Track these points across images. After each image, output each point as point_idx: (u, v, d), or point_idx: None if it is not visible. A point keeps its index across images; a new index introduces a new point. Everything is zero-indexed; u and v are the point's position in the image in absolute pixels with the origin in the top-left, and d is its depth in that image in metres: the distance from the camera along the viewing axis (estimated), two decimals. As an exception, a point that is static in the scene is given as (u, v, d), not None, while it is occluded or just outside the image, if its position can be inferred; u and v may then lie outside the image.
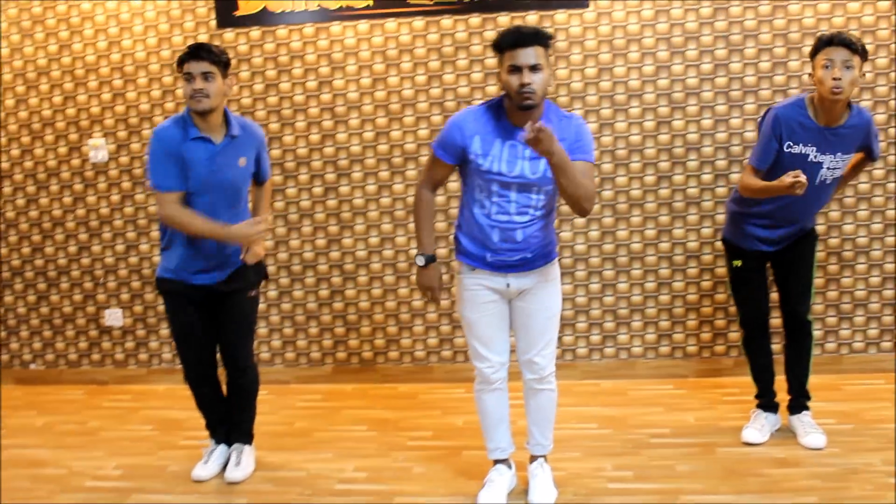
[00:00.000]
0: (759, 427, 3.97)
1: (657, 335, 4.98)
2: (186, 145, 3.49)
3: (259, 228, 3.52)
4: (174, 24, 5.01)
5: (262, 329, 5.20)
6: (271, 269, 5.09)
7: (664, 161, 4.82)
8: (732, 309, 4.35)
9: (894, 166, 4.70)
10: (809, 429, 3.90)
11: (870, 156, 3.80)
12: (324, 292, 5.15)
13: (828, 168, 3.61)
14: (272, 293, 5.16)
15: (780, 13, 4.65)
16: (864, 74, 3.64)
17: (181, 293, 3.69)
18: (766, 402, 4.06)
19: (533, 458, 3.58)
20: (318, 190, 5.06)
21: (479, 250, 3.26)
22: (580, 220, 4.88)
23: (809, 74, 3.59)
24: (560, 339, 4.96)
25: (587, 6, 4.74)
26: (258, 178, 3.84)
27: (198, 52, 3.47)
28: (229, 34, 4.99)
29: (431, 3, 4.82)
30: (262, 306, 5.13)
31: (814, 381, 4.00)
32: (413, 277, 5.03)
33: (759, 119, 3.90)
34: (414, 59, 4.89)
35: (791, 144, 3.58)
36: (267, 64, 5.00)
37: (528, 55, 2.97)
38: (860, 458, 3.69)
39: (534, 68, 2.97)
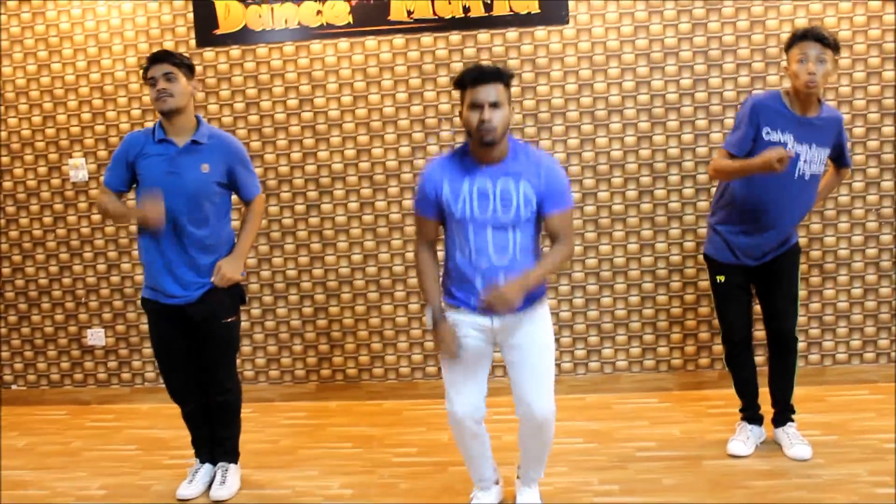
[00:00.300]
0: (745, 439, 3.97)
1: (641, 349, 4.97)
2: (148, 147, 3.59)
3: (155, 208, 3.46)
4: (154, 42, 4.99)
5: (245, 347, 5.17)
6: (254, 286, 5.07)
7: (645, 175, 4.83)
8: (716, 322, 4.34)
9: (875, 178, 4.73)
10: (795, 440, 3.91)
11: (842, 161, 3.84)
12: (307, 309, 5.13)
13: (805, 161, 3.63)
14: (255, 311, 5.13)
15: (758, 28, 4.69)
16: (836, 67, 3.80)
17: (160, 312, 3.69)
18: (751, 414, 4.06)
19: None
20: (300, 207, 5.04)
21: (464, 295, 3.23)
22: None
23: (785, 68, 3.67)
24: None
25: (567, 22, 4.76)
26: (241, 196, 3.78)
27: (158, 55, 3.57)
28: (209, 53, 4.98)
29: (411, 20, 4.82)
30: (245, 324, 5.11)
31: (798, 392, 4.00)
32: (397, 294, 5.03)
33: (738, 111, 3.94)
34: (394, 76, 4.89)
35: (769, 131, 3.63)
36: (247, 82, 4.99)
37: (489, 92, 3.01)
38: (845, 469, 3.70)
39: (494, 105, 3.01)
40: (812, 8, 4.65)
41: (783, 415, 4.01)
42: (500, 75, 3.05)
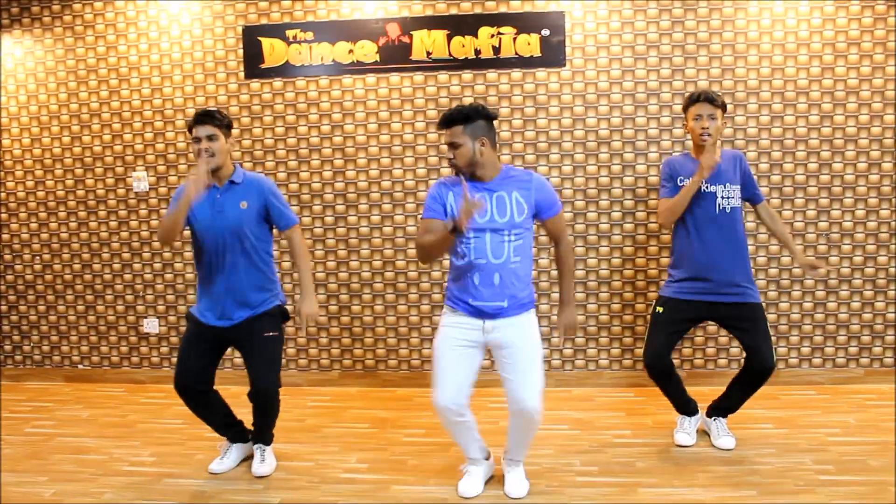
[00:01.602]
0: (688, 431, 3.96)
1: (621, 349, 4.99)
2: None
3: (199, 171, 3.39)
4: (208, 74, 5.05)
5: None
6: (287, 286, 5.10)
7: (629, 199, 4.85)
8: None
9: (826, 207, 4.75)
10: (723, 432, 3.91)
11: (755, 197, 3.83)
12: (333, 307, 5.16)
13: (722, 197, 3.70)
14: (287, 307, 5.15)
15: (728, 75, 4.71)
16: (724, 123, 3.94)
17: (200, 326, 3.63)
18: (685, 409, 4.02)
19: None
20: (329, 219, 5.07)
21: (462, 294, 3.25)
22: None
23: (683, 125, 3.82)
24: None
25: (564, 65, 4.79)
26: (278, 226, 3.67)
27: (202, 118, 3.49)
28: (255, 83, 5.02)
29: (430, 60, 4.86)
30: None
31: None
32: (411, 296, 5.05)
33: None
34: (414, 107, 4.93)
35: (683, 179, 3.73)
36: (287, 110, 5.03)
37: (451, 134, 3.17)
38: (793, 458, 3.71)
39: (452, 145, 3.17)
40: (775, 60, 4.68)
41: (722, 412, 3.96)
42: (456, 119, 3.17)
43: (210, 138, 3.46)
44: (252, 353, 3.62)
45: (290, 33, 4.92)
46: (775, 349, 4.62)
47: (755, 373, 3.75)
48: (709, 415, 4.00)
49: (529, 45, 4.78)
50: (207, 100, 5.05)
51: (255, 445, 3.83)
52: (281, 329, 3.70)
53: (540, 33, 4.77)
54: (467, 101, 4.85)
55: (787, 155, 4.74)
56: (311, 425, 4.45)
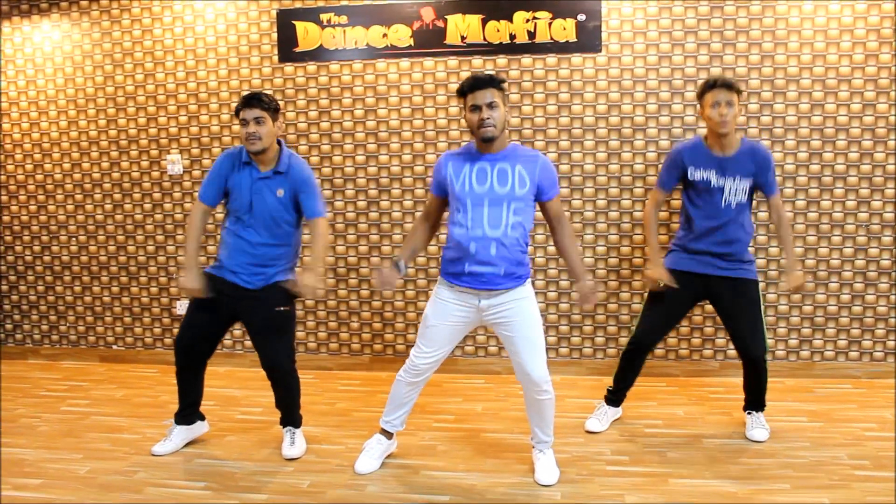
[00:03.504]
0: (601, 417, 4.01)
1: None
2: (236, 170, 3.60)
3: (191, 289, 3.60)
4: (242, 57, 5.07)
5: (310, 322, 5.24)
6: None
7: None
8: (719, 318, 4.28)
9: (866, 198, 4.67)
10: (756, 424, 3.87)
11: (765, 189, 3.73)
12: (364, 292, 5.17)
13: (730, 191, 3.65)
14: (319, 292, 5.17)
15: (767, 62, 4.63)
16: (741, 110, 3.92)
17: (216, 281, 3.66)
18: (613, 399, 4.07)
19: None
20: (361, 203, 5.08)
21: (458, 265, 3.26)
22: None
23: (699, 112, 3.74)
24: (568, 339, 4.96)
25: (600, 51, 4.74)
26: (305, 214, 3.66)
27: (251, 100, 3.51)
28: (289, 67, 5.03)
29: (464, 44, 4.83)
30: (310, 302, 5.17)
31: (789, 384, 3.99)
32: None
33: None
34: (448, 92, 4.91)
35: (694, 170, 3.68)
36: (321, 94, 5.03)
37: (485, 95, 3.13)
38: (828, 452, 3.66)
39: (490, 105, 3.13)
40: (817, 46, 4.60)
41: (751, 406, 3.94)
42: (493, 81, 3.16)
43: (258, 121, 3.49)
44: (261, 330, 3.67)
45: (324, 17, 4.92)
46: (799, 326, 4.57)
47: (747, 362, 3.79)
48: (745, 409, 3.97)
49: (565, 29, 4.74)
50: (241, 83, 5.07)
51: (286, 428, 3.86)
52: (293, 304, 3.74)
53: (576, 18, 4.72)
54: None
55: (828, 144, 4.66)
56: (341, 409, 4.47)
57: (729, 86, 3.58)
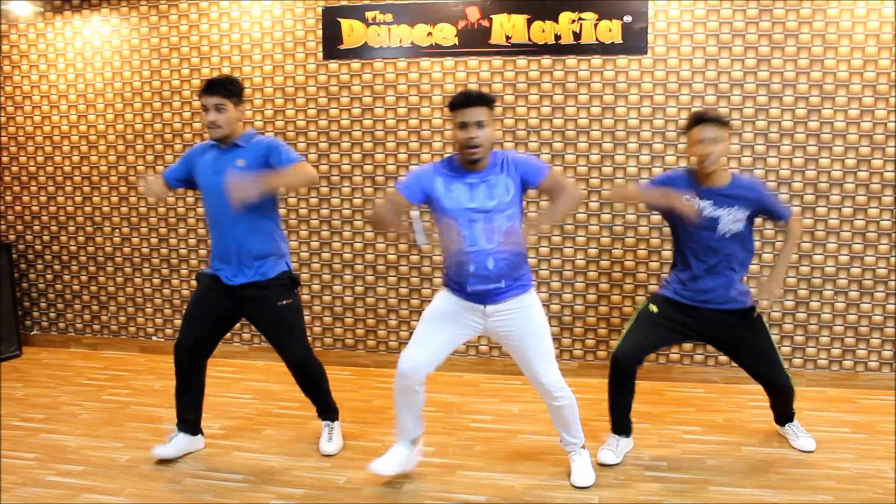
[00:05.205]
0: (613, 448, 3.70)
1: (693, 343, 4.90)
2: (204, 152, 3.62)
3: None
4: (287, 54, 5.10)
5: (348, 318, 5.26)
6: (358, 267, 5.15)
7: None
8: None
9: (889, 206, 4.60)
10: (801, 434, 3.82)
11: (776, 216, 3.62)
12: (403, 290, 5.19)
13: (725, 222, 3.48)
14: (359, 288, 5.21)
15: (816, 66, 4.57)
16: (730, 143, 3.73)
17: (214, 280, 3.64)
18: (620, 428, 3.77)
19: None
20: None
21: (459, 281, 3.23)
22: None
23: (686, 147, 3.61)
24: (608, 343, 4.94)
25: (646, 53, 4.71)
26: (279, 164, 3.43)
27: (210, 86, 3.46)
28: (333, 64, 5.06)
29: (509, 44, 4.83)
30: (349, 299, 5.20)
31: (830, 394, 3.93)
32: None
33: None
34: (492, 92, 4.89)
35: (689, 198, 3.48)
36: (364, 91, 5.05)
37: (476, 113, 3.06)
38: (872, 465, 3.61)
39: (479, 124, 3.07)
40: (868, 51, 4.53)
41: (782, 420, 3.89)
42: (484, 99, 3.10)
43: (218, 109, 3.44)
44: (270, 327, 3.68)
45: (369, 15, 4.94)
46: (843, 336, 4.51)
47: (778, 395, 3.77)
48: (778, 423, 3.93)
49: (611, 31, 4.71)
50: (286, 80, 5.11)
51: (323, 422, 3.88)
52: (295, 295, 3.72)
53: (622, 19, 4.69)
54: (545, 87, 4.82)
55: (825, 150, 4.59)
56: (377, 406, 4.49)
57: (717, 120, 3.43)
